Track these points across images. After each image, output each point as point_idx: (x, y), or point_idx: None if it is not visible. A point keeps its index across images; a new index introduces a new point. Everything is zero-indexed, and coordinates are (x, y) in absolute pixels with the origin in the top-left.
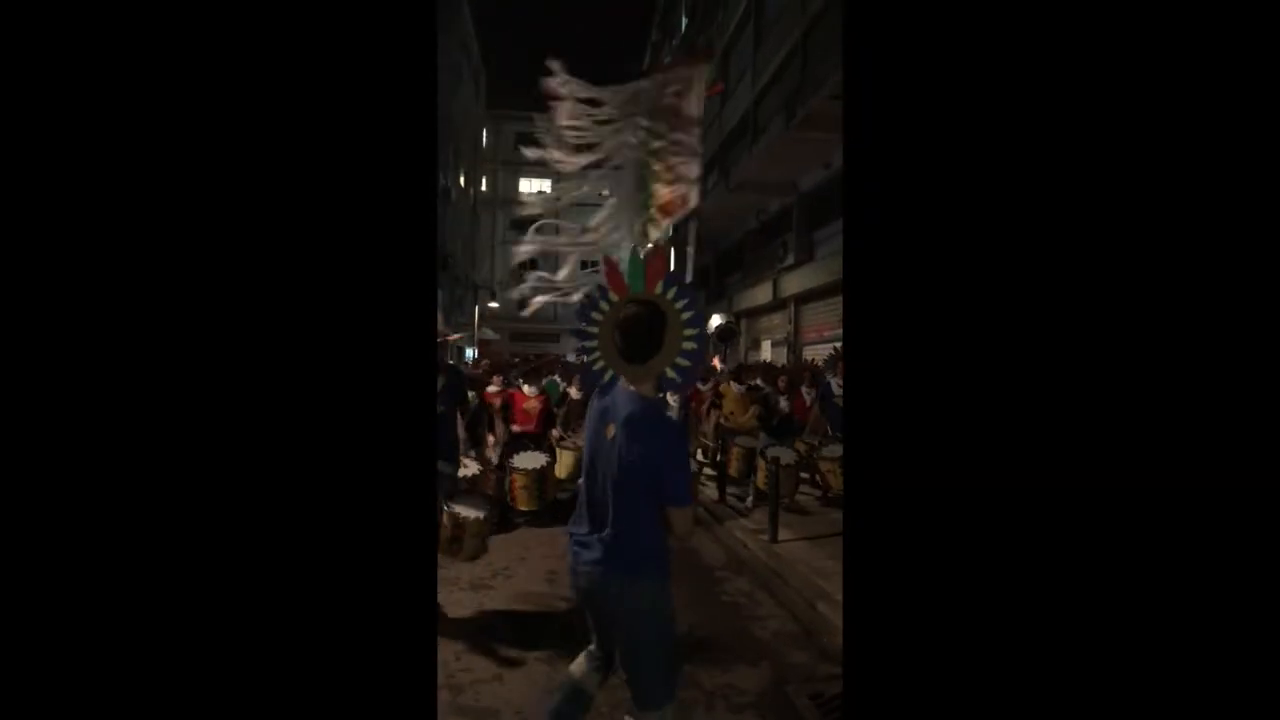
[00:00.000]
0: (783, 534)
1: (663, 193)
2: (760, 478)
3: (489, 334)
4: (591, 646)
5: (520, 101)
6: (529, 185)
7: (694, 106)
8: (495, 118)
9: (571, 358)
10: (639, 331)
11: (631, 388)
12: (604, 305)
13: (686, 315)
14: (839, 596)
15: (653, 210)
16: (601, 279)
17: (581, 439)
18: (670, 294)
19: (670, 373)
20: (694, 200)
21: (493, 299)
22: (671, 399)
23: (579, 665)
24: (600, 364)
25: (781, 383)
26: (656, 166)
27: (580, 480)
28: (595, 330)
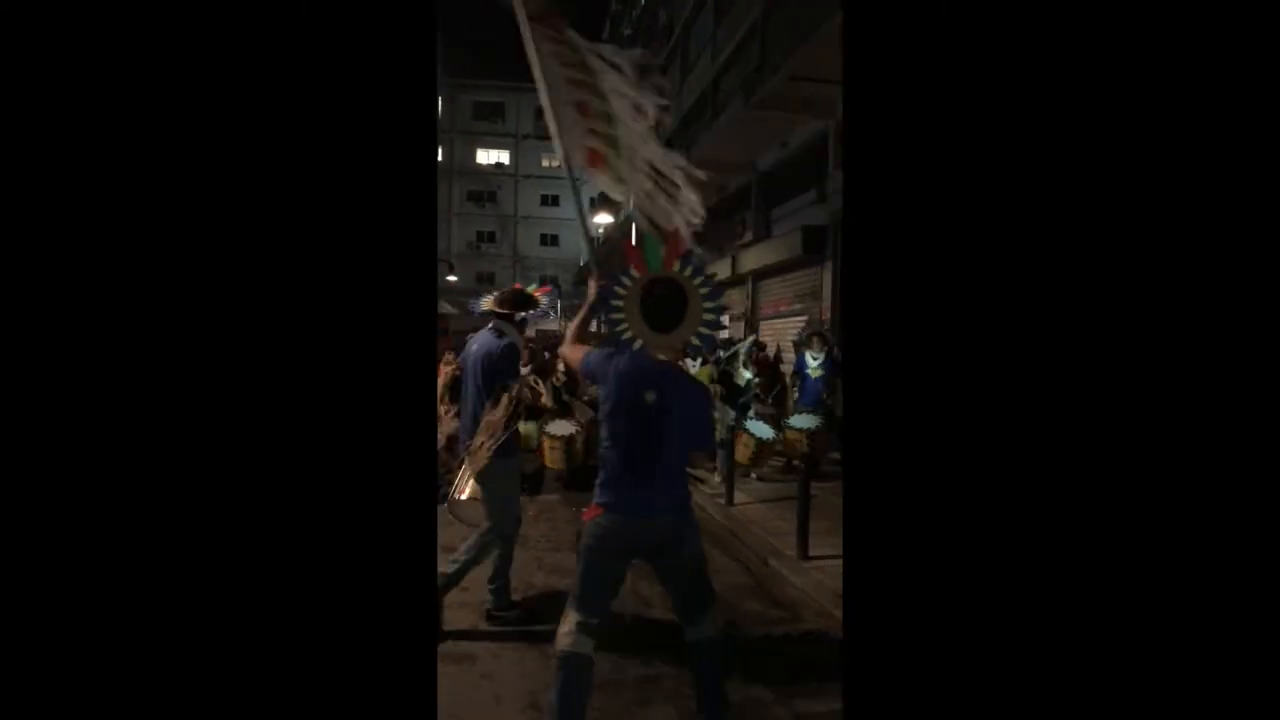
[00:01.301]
0: (738, 498)
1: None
2: (742, 453)
3: (447, 308)
4: (579, 617)
5: (477, 70)
6: (487, 156)
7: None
8: (451, 86)
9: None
10: (665, 306)
11: (660, 355)
12: (626, 282)
13: (704, 290)
14: (789, 553)
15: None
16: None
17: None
18: (688, 271)
19: (695, 340)
20: (686, 239)
21: (451, 272)
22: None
23: (579, 640)
24: (629, 334)
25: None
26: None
27: (609, 447)
28: (620, 304)
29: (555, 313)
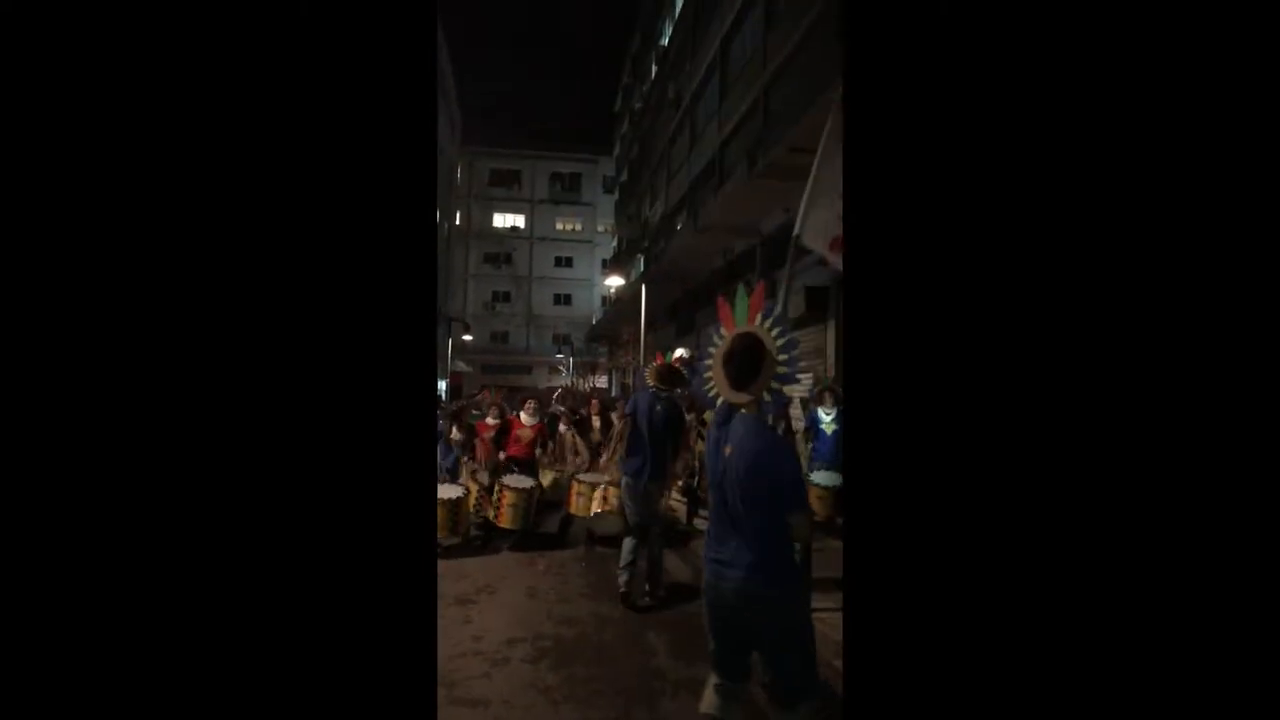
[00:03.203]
0: None
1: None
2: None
3: (461, 366)
4: (715, 680)
5: (494, 138)
6: (503, 219)
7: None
8: (469, 154)
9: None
10: (742, 362)
11: (742, 410)
12: (717, 340)
13: (780, 341)
14: None
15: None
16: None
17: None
18: (767, 324)
19: (767, 396)
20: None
21: (466, 331)
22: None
23: (713, 701)
24: (714, 392)
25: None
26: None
27: (711, 507)
28: (710, 363)
29: (568, 370)
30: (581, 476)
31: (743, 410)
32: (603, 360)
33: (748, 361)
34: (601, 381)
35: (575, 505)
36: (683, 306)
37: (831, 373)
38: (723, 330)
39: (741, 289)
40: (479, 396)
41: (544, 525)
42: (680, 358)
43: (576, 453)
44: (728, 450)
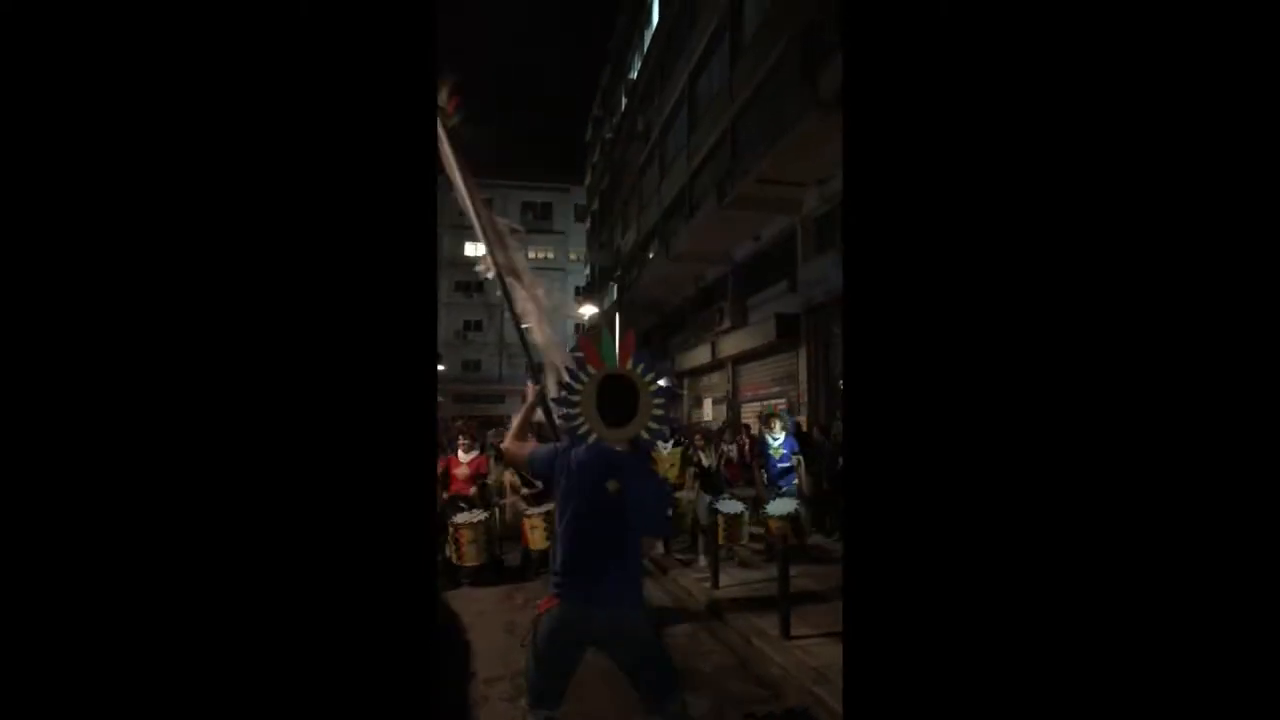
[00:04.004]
0: (723, 580)
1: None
2: (720, 534)
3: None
4: (543, 713)
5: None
6: (474, 248)
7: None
8: (443, 184)
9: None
10: (619, 401)
11: (618, 447)
12: (583, 378)
13: (654, 387)
14: (773, 632)
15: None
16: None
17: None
18: (639, 368)
19: (644, 434)
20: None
21: (438, 361)
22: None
23: None
24: (585, 428)
25: (699, 439)
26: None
27: (567, 538)
28: (577, 399)
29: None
30: (530, 511)
31: (618, 449)
32: None
33: (624, 402)
34: None
35: (533, 540)
36: (656, 334)
37: (804, 398)
38: (589, 368)
39: (605, 332)
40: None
41: (507, 559)
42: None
43: (515, 490)
44: (612, 486)
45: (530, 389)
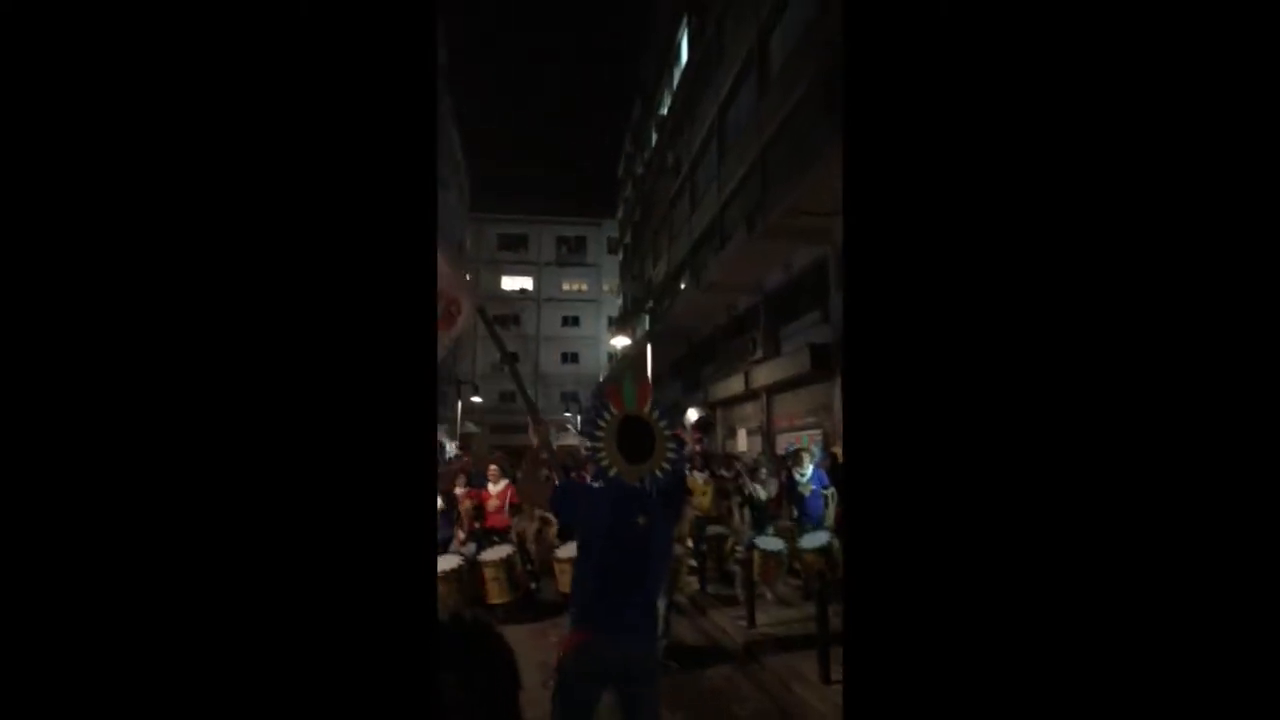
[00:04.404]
0: (760, 619)
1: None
2: (755, 570)
3: (471, 428)
4: None
5: (502, 204)
6: (512, 282)
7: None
8: (478, 220)
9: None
10: (639, 441)
11: (637, 483)
12: (607, 416)
13: (667, 432)
14: (812, 676)
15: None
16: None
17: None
18: (654, 414)
19: (658, 473)
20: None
21: (475, 393)
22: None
23: None
24: (607, 463)
25: (739, 466)
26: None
27: (594, 573)
28: (601, 435)
29: (575, 428)
30: (560, 554)
31: (636, 482)
32: None
33: (643, 442)
34: None
35: (562, 583)
36: (688, 363)
37: (839, 429)
38: (612, 408)
39: (628, 376)
40: (458, 464)
41: (541, 593)
42: (702, 419)
43: (548, 522)
44: (642, 520)
45: (533, 431)
